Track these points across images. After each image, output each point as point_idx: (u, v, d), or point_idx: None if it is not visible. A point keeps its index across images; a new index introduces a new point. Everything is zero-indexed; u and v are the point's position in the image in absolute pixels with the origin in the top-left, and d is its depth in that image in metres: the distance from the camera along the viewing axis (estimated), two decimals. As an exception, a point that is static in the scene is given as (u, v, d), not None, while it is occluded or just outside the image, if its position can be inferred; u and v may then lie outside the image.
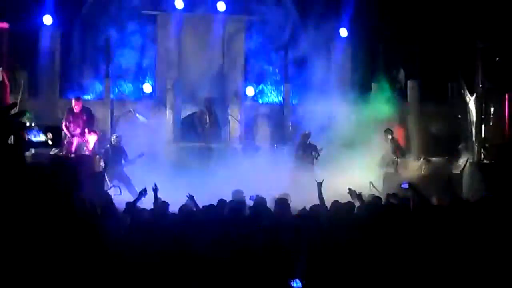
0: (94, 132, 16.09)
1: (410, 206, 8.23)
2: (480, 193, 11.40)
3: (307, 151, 15.98)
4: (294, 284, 5.65)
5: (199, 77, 18.38)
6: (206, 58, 18.31)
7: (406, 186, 9.07)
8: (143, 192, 9.20)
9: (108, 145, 15.68)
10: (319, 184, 9.37)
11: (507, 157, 15.55)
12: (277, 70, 19.20)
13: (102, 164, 15.01)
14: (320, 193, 9.23)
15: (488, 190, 12.64)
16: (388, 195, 9.76)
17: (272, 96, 19.23)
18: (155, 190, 9.20)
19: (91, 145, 15.77)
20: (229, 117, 18.10)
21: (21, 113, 2.23)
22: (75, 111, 15.79)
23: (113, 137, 15.76)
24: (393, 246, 6.91)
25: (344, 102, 17.08)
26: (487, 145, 16.36)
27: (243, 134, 18.10)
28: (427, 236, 6.73)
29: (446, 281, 6.18)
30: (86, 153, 15.43)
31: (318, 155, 15.75)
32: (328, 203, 9.05)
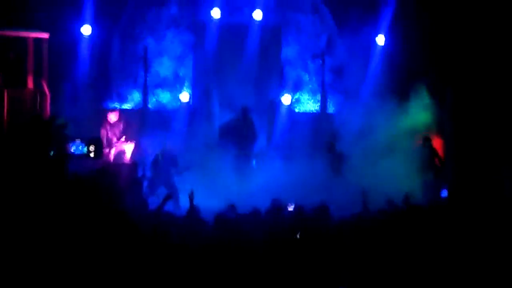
0: (131, 140, 16.23)
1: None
2: None
3: (337, 159, 15.90)
4: None
5: (236, 85, 18.42)
6: (243, 66, 18.34)
7: (446, 194, 8.99)
8: (168, 198, 9.28)
9: (159, 152, 15.68)
10: (365, 193, 9.37)
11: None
12: (314, 79, 19.14)
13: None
14: (365, 201, 9.22)
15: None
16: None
17: (309, 105, 19.18)
18: (191, 197, 9.27)
19: (128, 154, 15.91)
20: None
21: (64, 125, 2.24)
22: (110, 121, 16.00)
23: (164, 145, 15.76)
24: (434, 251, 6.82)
25: (382, 110, 16.93)
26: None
27: (280, 142, 18.06)
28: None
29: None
30: (125, 162, 15.58)
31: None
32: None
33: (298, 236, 8.18)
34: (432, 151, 16.42)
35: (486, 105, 17.06)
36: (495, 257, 6.04)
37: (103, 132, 15.88)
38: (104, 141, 15.71)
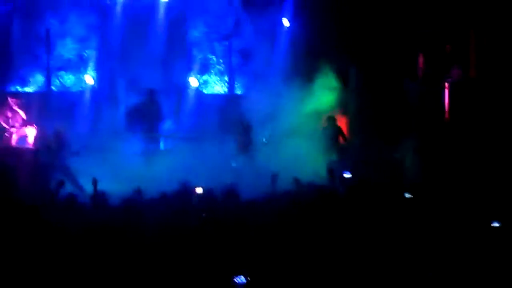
0: (33, 125, 15.80)
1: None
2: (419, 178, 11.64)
3: (247, 141, 16.00)
4: (237, 280, 5.34)
5: (142, 68, 18.21)
6: (149, 48, 18.14)
7: (349, 175, 9.24)
8: (61, 184, 9.22)
9: (51, 137, 15.37)
10: (275, 177, 9.53)
11: (446, 143, 15.92)
12: (221, 60, 19.16)
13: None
14: (273, 185, 9.38)
15: (427, 175, 12.93)
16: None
17: (217, 87, 19.21)
18: (95, 183, 9.20)
19: (31, 139, 15.48)
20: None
21: None
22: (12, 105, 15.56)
23: (56, 130, 15.47)
24: (335, 229, 7.00)
25: (288, 91, 17.15)
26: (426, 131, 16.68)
27: (188, 125, 18.02)
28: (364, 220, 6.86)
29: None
30: (27, 146, 15.16)
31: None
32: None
33: (203, 215, 8.24)
34: (337, 129, 16.79)
35: (387, 84, 17.54)
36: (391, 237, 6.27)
37: (3, 116, 15.41)
38: (4, 124, 15.27)
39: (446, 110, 16.93)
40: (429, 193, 8.61)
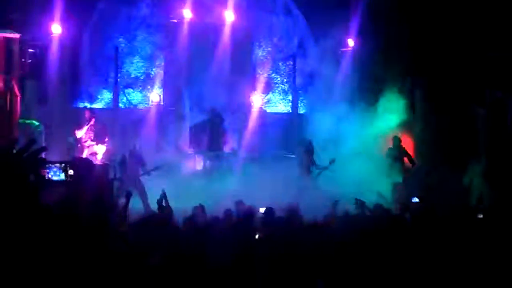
0: (103, 142, 16.14)
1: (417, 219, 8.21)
2: (488, 204, 11.37)
3: (311, 160, 15.89)
4: None
5: (207, 86, 18.41)
6: (214, 67, 18.31)
7: (417, 200, 9.10)
8: (129, 196, 9.25)
9: (127, 153, 15.57)
10: (335, 203, 9.46)
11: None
12: (285, 80, 19.23)
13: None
14: (333, 212, 9.31)
15: (497, 200, 12.62)
16: (401, 206, 9.74)
17: (280, 106, 19.27)
18: (164, 196, 9.26)
19: (100, 156, 15.82)
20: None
21: (41, 149, 2.23)
22: (87, 122, 15.97)
23: (133, 144, 15.66)
24: (401, 258, 6.88)
25: (353, 113, 17.05)
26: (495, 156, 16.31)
27: (251, 143, 18.07)
28: (434, 249, 6.71)
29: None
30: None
31: (327, 167, 15.61)
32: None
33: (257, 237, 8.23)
34: (401, 150, 16.58)
35: (454, 107, 17.25)
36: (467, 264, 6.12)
37: (77, 132, 15.83)
38: (78, 140, 15.70)
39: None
40: (498, 217, 8.40)
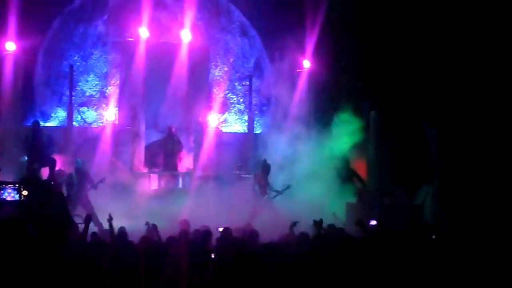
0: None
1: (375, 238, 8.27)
2: (439, 224, 11.52)
3: (266, 180, 15.82)
4: None
5: (163, 105, 18.36)
6: (171, 86, 18.26)
7: (375, 222, 9.18)
8: (89, 219, 9.16)
9: (73, 170, 15.31)
10: (293, 225, 9.51)
11: (467, 189, 15.81)
12: (241, 100, 19.29)
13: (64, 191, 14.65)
14: (291, 233, 9.35)
15: (449, 221, 12.83)
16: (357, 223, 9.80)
17: (236, 126, 19.30)
18: (110, 220, 9.17)
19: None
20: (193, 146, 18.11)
21: None
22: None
23: (77, 161, 15.39)
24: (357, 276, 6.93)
25: (308, 132, 17.18)
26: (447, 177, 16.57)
27: (206, 163, 18.03)
28: (392, 267, 6.78)
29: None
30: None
31: (281, 191, 15.59)
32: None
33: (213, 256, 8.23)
34: (350, 171, 16.77)
35: (407, 129, 17.50)
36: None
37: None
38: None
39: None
40: (452, 240, 8.52)
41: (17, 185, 5.22)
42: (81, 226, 9.26)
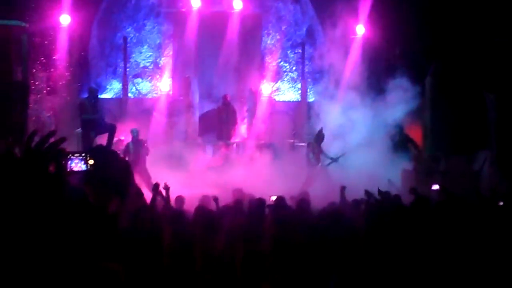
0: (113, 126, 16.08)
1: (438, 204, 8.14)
2: (499, 190, 11.31)
3: (320, 150, 15.65)
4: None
5: (216, 75, 18.43)
6: (223, 55, 18.30)
7: (437, 187, 9.07)
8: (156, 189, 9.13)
9: (130, 141, 15.45)
10: (343, 189, 9.45)
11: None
12: (294, 68, 19.18)
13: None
14: (343, 198, 9.29)
15: (507, 187, 12.56)
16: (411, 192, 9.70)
17: (289, 94, 19.23)
18: (167, 189, 9.20)
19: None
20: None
21: (61, 140, 2.22)
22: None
23: (133, 131, 15.46)
24: (418, 245, 6.85)
25: (362, 100, 16.97)
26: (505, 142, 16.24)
27: (260, 132, 18.05)
28: (454, 234, 6.67)
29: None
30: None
31: (336, 159, 15.42)
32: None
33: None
34: (404, 138, 16.55)
35: (464, 95, 17.17)
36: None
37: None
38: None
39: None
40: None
41: (83, 155, 5.30)
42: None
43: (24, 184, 2.45)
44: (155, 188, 8.88)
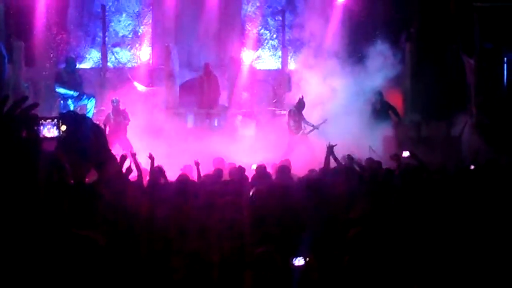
0: (92, 97, 16.06)
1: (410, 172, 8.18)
2: (479, 155, 11.39)
3: (301, 118, 15.60)
4: (296, 262, 4.89)
5: (196, 43, 18.29)
6: (203, 23, 18.14)
7: (407, 154, 9.12)
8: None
9: (110, 110, 15.37)
10: (331, 148, 9.46)
11: (505, 118, 15.58)
12: (274, 36, 19.07)
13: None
14: (328, 157, 9.30)
15: (488, 152, 12.66)
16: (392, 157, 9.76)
17: (270, 62, 19.14)
18: (151, 158, 9.16)
19: (91, 111, 15.69)
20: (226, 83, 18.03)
21: (33, 105, 2.19)
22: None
23: (113, 101, 15.36)
24: (400, 215, 6.85)
25: (342, 67, 16.93)
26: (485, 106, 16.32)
27: (241, 100, 17.99)
28: (430, 204, 6.69)
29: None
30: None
31: (317, 126, 15.39)
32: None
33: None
34: (385, 104, 16.57)
35: (443, 59, 17.20)
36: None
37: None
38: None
39: (504, 85, 16.56)
40: (494, 171, 8.39)
41: (55, 120, 5.22)
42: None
43: None
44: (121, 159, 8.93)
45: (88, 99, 15.96)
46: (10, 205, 2.45)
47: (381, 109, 16.44)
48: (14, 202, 2.46)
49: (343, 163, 9.81)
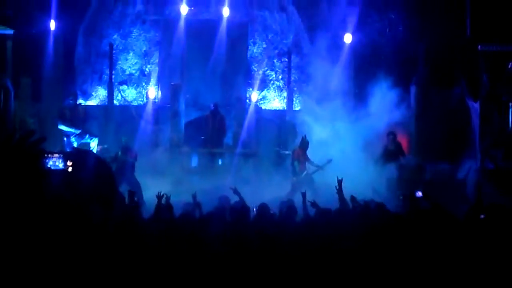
0: (95, 136, 16.12)
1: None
2: (484, 199, 11.32)
3: (305, 158, 15.56)
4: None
5: (203, 83, 18.40)
6: (210, 63, 18.28)
7: (421, 195, 9.04)
8: (133, 195, 9.27)
9: (119, 149, 15.31)
10: (340, 182, 9.46)
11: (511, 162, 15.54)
12: (280, 76, 19.19)
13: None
14: (340, 191, 9.29)
15: (493, 196, 12.59)
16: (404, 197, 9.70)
17: (275, 102, 19.23)
18: (160, 197, 9.25)
19: (94, 149, 15.76)
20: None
21: (41, 140, 2.21)
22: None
23: (122, 139, 15.47)
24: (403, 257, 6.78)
25: (348, 108, 16.98)
26: (491, 151, 16.30)
27: (246, 140, 18.00)
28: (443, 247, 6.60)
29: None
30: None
31: (322, 166, 15.31)
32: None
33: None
34: (397, 146, 16.55)
35: (449, 103, 17.23)
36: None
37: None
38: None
39: (509, 129, 16.57)
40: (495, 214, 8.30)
41: (62, 155, 5.25)
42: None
43: (3, 181, 2.44)
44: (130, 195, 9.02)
45: (91, 139, 16.06)
46: (16, 233, 2.45)
47: (394, 150, 16.39)
48: (20, 232, 2.46)
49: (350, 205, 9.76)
